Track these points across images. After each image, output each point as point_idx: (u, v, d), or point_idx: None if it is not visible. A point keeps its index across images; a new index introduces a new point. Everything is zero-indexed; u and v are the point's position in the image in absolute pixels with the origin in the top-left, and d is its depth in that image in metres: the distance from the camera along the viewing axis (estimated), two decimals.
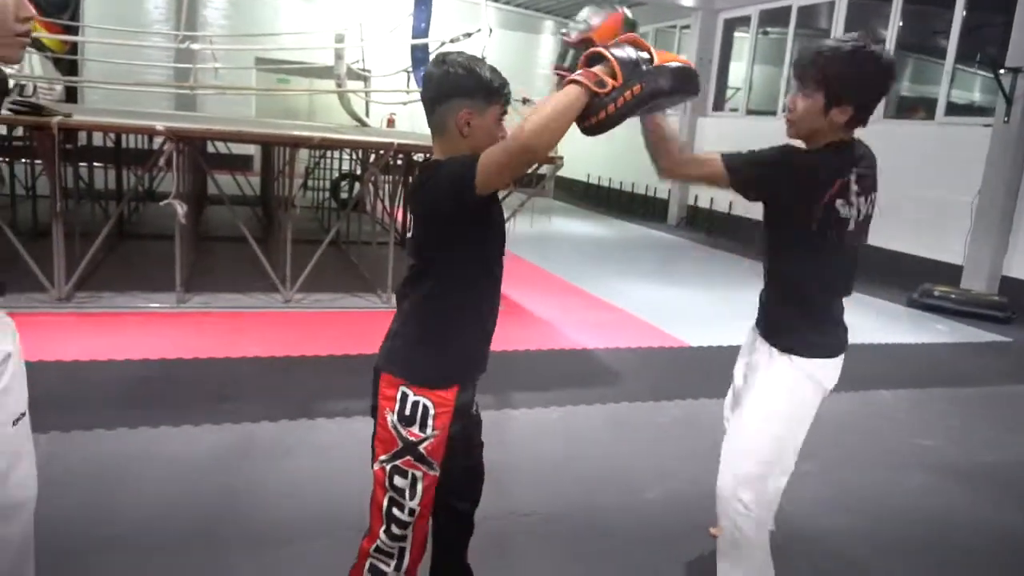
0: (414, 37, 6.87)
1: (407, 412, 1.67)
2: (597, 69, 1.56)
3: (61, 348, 3.96)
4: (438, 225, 1.64)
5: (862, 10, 9.47)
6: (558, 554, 2.55)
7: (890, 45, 8.80)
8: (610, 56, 1.56)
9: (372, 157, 6.81)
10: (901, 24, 8.79)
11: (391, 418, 1.67)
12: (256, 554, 2.38)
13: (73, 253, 5.01)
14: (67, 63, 12.29)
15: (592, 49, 1.61)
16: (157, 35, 12.62)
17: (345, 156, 9.47)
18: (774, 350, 2.03)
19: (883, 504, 3.11)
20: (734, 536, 2.10)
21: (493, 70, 1.68)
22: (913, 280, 7.36)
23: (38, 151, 4.88)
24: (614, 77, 1.54)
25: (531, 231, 8.31)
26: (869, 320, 6.25)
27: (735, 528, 2.08)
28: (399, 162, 6.70)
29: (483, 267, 1.72)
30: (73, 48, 11.94)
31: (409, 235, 1.74)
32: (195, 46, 8.61)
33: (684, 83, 1.61)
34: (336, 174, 9.65)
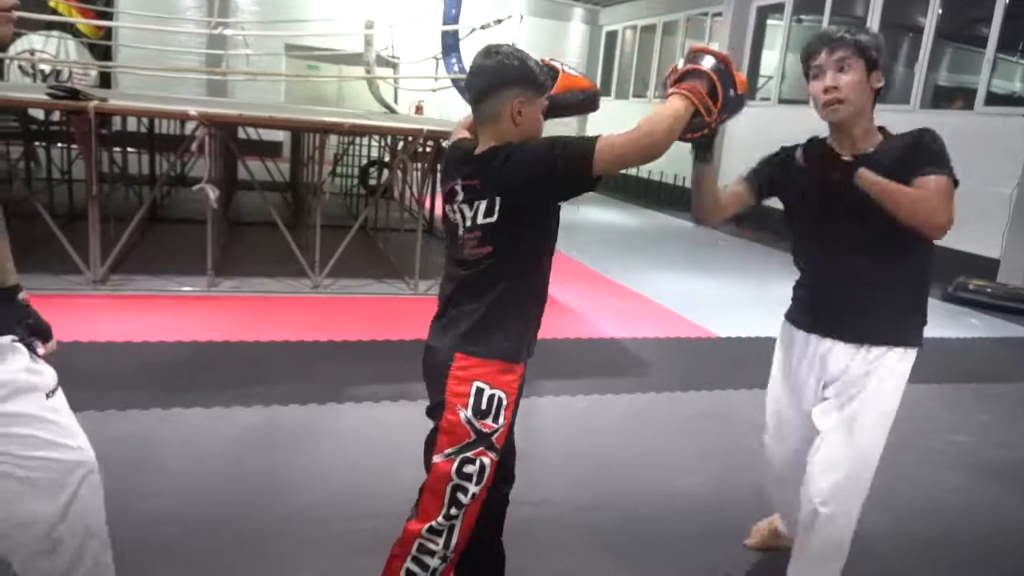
0: (445, 23, 6.86)
1: (483, 406, 1.73)
2: (703, 88, 1.69)
3: (96, 329, 4.03)
4: (520, 206, 1.68)
5: None
6: (586, 543, 2.55)
7: (929, 33, 8.61)
8: (719, 88, 1.71)
9: (401, 144, 6.83)
10: (941, 12, 8.59)
11: (465, 413, 1.72)
12: (285, 534, 2.41)
13: (108, 236, 5.09)
14: (101, 48, 12.49)
15: (698, 67, 1.73)
16: (190, 21, 12.74)
17: (373, 143, 9.50)
18: (878, 348, 1.99)
19: (915, 500, 3.07)
20: (832, 549, 2.06)
21: (539, 63, 1.75)
22: (948, 273, 7.22)
23: (74, 135, 4.96)
24: (715, 101, 1.70)
25: (561, 220, 8.29)
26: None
27: (839, 542, 2.04)
28: (428, 149, 6.71)
29: (547, 251, 1.80)
30: (107, 34, 12.12)
31: (464, 219, 1.73)
32: (227, 32, 8.67)
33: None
34: (364, 160, 9.69)
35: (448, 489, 1.76)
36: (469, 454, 1.74)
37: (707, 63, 1.72)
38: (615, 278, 6.71)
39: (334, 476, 2.83)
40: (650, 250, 8.88)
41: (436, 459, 1.76)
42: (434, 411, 1.80)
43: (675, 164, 12.92)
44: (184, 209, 7.49)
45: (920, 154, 1.86)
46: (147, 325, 4.26)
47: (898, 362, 2.01)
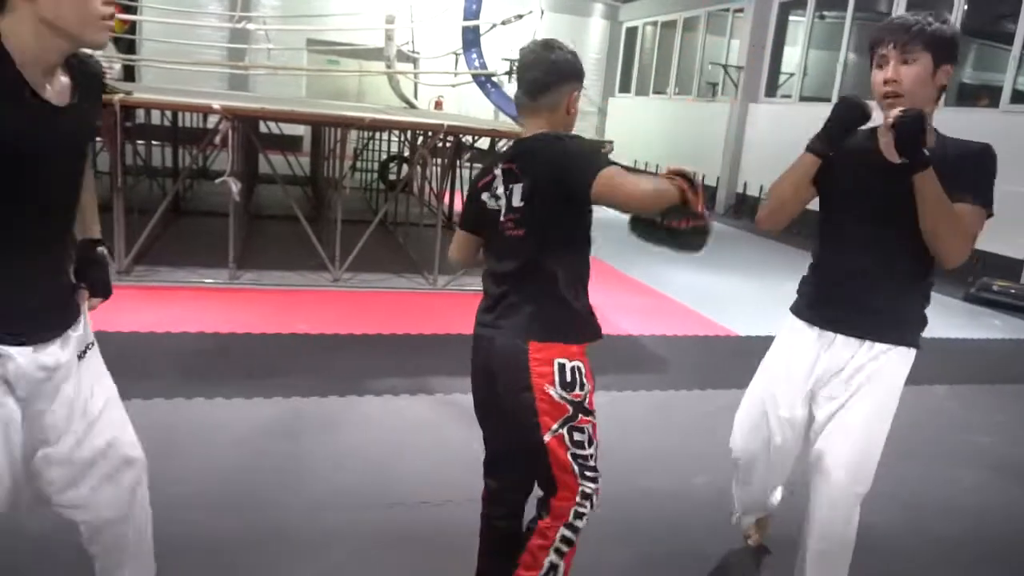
0: (465, 19, 6.87)
1: (568, 379, 1.82)
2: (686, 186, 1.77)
3: (120, 319, 4.09)
4: (564, 195, 1.76)
5: None
6: (607, 538, 2.55)
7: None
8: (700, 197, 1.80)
9: (420, 139, 6.86)
10: (966, 8, 8.48)
11: (555, 391, 1.81)
12: (304, 522, 2.45)
13: (132, 228, 5.16)
14: (126, 42, 12.60)
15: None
16: (212, 15, 12.83)
17: (393, 138, 9.53)
18: (882, 345, 1.95)
19: (935, 499, 3.06)
20: (840, 548, 2.05)
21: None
22: (970, 274, 7.15)
23: (100, 128, 5.02)
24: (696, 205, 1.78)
25: None
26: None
27: (847, 538, 2.03)
28: (447, 144, 6.73)
29: (588, 234, 1.90)
30: (131, 28, 12.23)
31: (510, 204, 1.81)
32: (249, 26, 8.73)
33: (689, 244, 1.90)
34: (384, 155, 9.73)
35: (570, 460, 1.86)
36: (574, 423, 1.85)
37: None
38: (634, 275, 6.70)
39: (354, 466, 2.86)
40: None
41: (546, 438, 1.84)
42: (518, 393, 1.83)
43: (696, 161, 12.87)
44: (206, 202, 7.57)
45: (970, 174, 1.81)
46: (170, 316, 4.31)
47: (900, 361, 1.97)
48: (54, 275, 1.52)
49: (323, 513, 2.53)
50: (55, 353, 1.49)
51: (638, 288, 6.33)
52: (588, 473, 1.90)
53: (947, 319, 6.16)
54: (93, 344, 1.65)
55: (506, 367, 1.84)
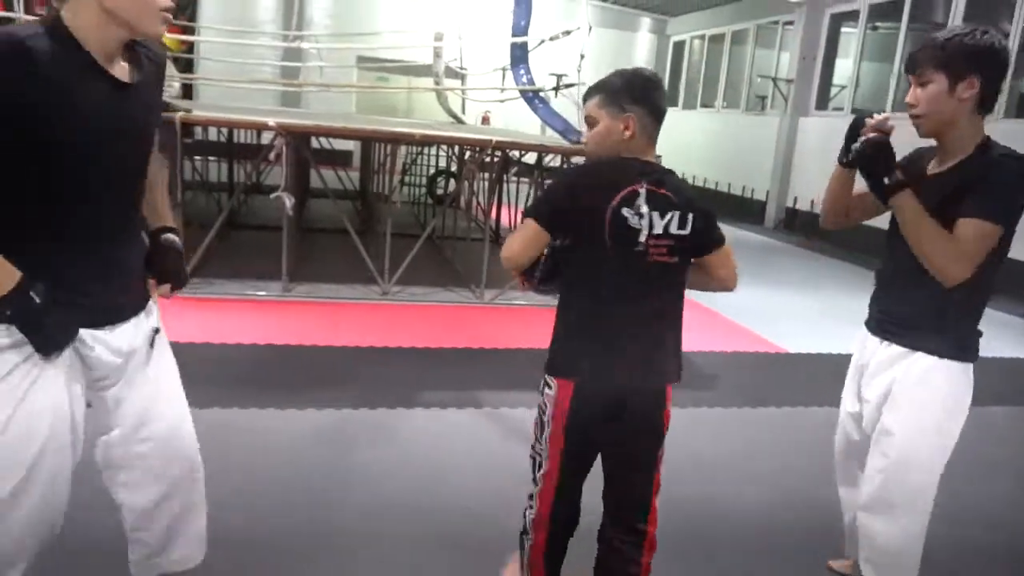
0: (514, 35, 6.93)
1: (667, 404, 1.92)
2: None
3: (177, 330, 4.18)
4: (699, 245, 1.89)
5: (984, 1, 8.93)
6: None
7: (1015, 38, 8.27)
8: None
9: (468, 154, 6.93)
10: None
11: (668, 410, 1.91)
12: (350, 531, 2.49)
13: (188, 241, 5.31)
14: (184, 61, 13.03)
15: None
16: (267, 34, 13.19)
17: (441, 153, 9.65)
18: (920, 355, 1.96)
19: (980, 514, 2.96)
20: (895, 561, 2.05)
21: None
22: None
23: (161, 144, 5.19)
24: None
25: None
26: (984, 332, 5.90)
27: (904, 551, 2.04)
28: (495, 159, 6.79)
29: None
30: (190, 47, 12.64)
31: (666, 229, 1.80)
32: (303, 45, 8.95)
33: None
34: (432, 170, 9.85)
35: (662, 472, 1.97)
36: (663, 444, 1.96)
37: None
38: None
39: (402, 476, 2.90)
40: None
41: (655, 475, 1.94)
42: (651, 435, 1.92)
43: (745, 175, 12.72)
44: (260, 216, 7.76)
45: (980, 188, 1.78)
46: (225, 327, 4.43)
47: (942, 372, 1.93)
48: (124, 258, 1.57)
49: (371, 520, 2.57)
50: (128, 337, 1.56)
51: (685, 303, 6.26)
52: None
53: (1007, 337, 5.96)
54: (160, 331, 1.69)
55: (642, 418, 1.89)
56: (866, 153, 1.84)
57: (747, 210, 12.49)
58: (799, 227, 11.23)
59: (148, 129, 1.59)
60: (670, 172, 1.86)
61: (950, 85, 1.80)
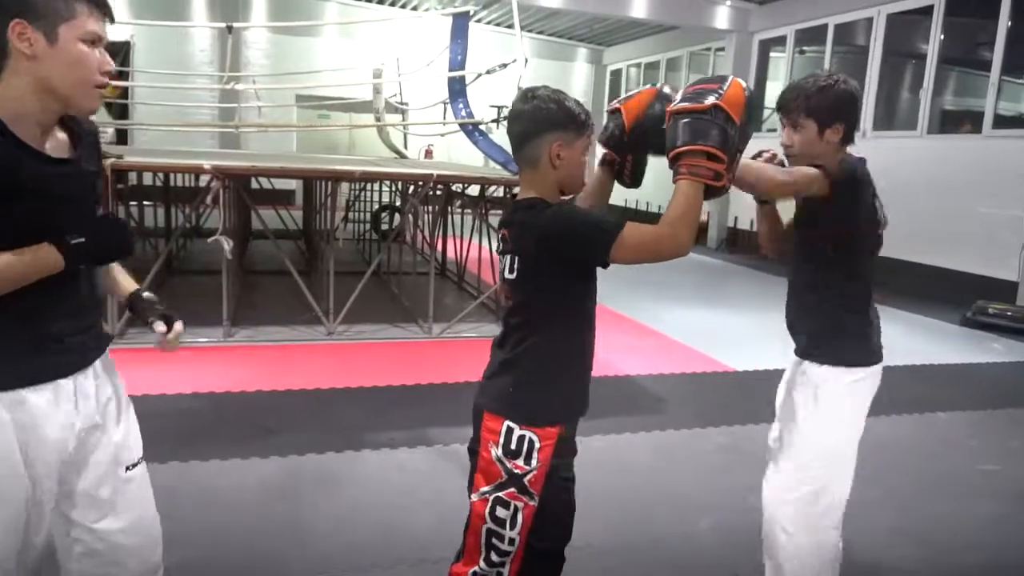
0: (451, 70, 6.97)
1: (512, 446, 1.70)
2: (696, 159, 1.57)
3: None
4: (551, 273, 1.68)
5: (901, 25, 9.35)
6: None
7: (932, 59, 8.65)
8: (703, 148, 1.56)
9: (412, 188, 6.91)
10: (943, 37, 8.65)
11: (495, 451, 1.70)
12: None
13: None
14: (119, 107, 12.78)
15: (677, 150, 1.59)
16: (202, 77, 13.03)
17: (385, 188, 9.60)
18: (809, 364, 2.13)
19: (951, 532, 3.00)
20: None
21: (578, 103, 1.73)
22: (966, 298, 7.15)
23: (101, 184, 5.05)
24: (719, 160, 1.57)
25: None
26: (921, 340, 6.08)
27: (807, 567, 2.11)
28: (438, 192, 6.77)
29: (586, 313, 1.78)
30: (124, 93, 12.41)
31: (504, 259, 1.74)
32: (239, 86, 8.86)
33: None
34: (376, 206, 9.79)
35: (483, 532, 1.73)
36: (502, 494, 1.71)
37: (708, 129, 1.57)
38: (628, 314, 6.69)
39: (355, 524, 2.80)
40: (662, 285, 8.85)
41: (473, 498, 1.75)
42: (472, 450, 1.79)
43: None
44: (199, 260, 7.58)
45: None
46: (165, 378, 4.27)
47: (832, 380, 2.06)
48: (83, 309, 1.55)
49: (326, 573, 2.46)
50: (93, 384, 1.58)
51: (633, 327, 6.31)
52: (494, 557, 1.73)
53: (945, 344, 6.14)
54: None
55: (475, 422, 1.80)
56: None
57: None
58: (741, 247, 11.46)
59: (87, 198, 1.54)
60: (527, 204, 1.71)
61: (819, 131, 2.01)
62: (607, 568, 2.60)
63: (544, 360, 1.73)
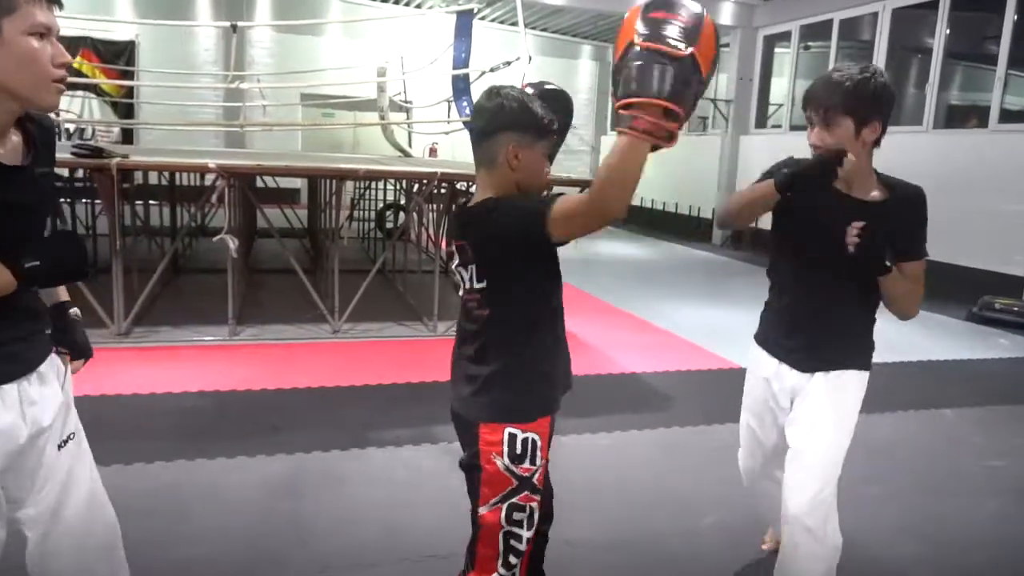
0: (455, 68, 6.98)
1: (518, 451, 1.69)
2: (653, 114, 1.37)
3: (121, 382, 4.07)
4: (507, 265, 1.66)
5: (907, 19, 9.31)
6: None
7: (938, 53, 8.62)
8: (669, 105, 1.36)
9: (416, 187, 6.92)
10: (949, 32, 8.62)
11: (501, 462, 1.69)
12: None
13: (131, 289, 5.17)
14: (124, 106, 12.84)
15: (641, 99, 1.37)
16: (207, 76, 13.06)
17: (389, 186, 9.62)
18: (835, 371, 2.07)
19: (955, 529, 2.99)
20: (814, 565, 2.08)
21: (544, 106, 1.68)
22: (972, 293, 7.13)
23: (98, 191, 5.07)
24: (675, 119, 1.39)
25: (575, 255, 8.30)
26: (927, 336, 6.06)
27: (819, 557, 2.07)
28: (442, 190, 6.78)
29: (549, 300, 1.76)
30: (129, 92, 12.46)
31: (464, 271, 1.72)
32: (243, 85, 8.88)
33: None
34: (381, 204, 9.81)
35: (501, 538, 1.73)
36: (516, 500, 1.71)
37: (676, 81, 1.36)
38: (633, 311, 6.69)
39: (360, 521, 2.81)
40: (668, 282, 8.85)
41: (483, 511, 1.73)
42: (469, 464, 1.76)
43: (692, 195, 12.94)
44: (205, 259, 7.60)
45: (913, 229, 1.96)
46: (171, 376, 4.29)
47: (855, 384, 2.06)
48: (24, 316, 1.51)
49: (332, 572, 2.48)
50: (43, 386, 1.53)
51: (638, 324, 6.31)
52: (512, 559, 1.75)
53: (951, 340, 6.12)
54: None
55: (460, 428, 1.80)
56: (866, 254, 1.88)
57: (695, 229, 12.71)
58: (746, 244, 11.44)
59: (37, 207, 1.50)
60: (479, 207, 1.68)
61: (856, 130, 1.87)
62: (609, 564, 2.61)
63: (528, 361, 1.72)
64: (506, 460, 1.69)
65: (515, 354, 1.71)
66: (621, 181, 1.43)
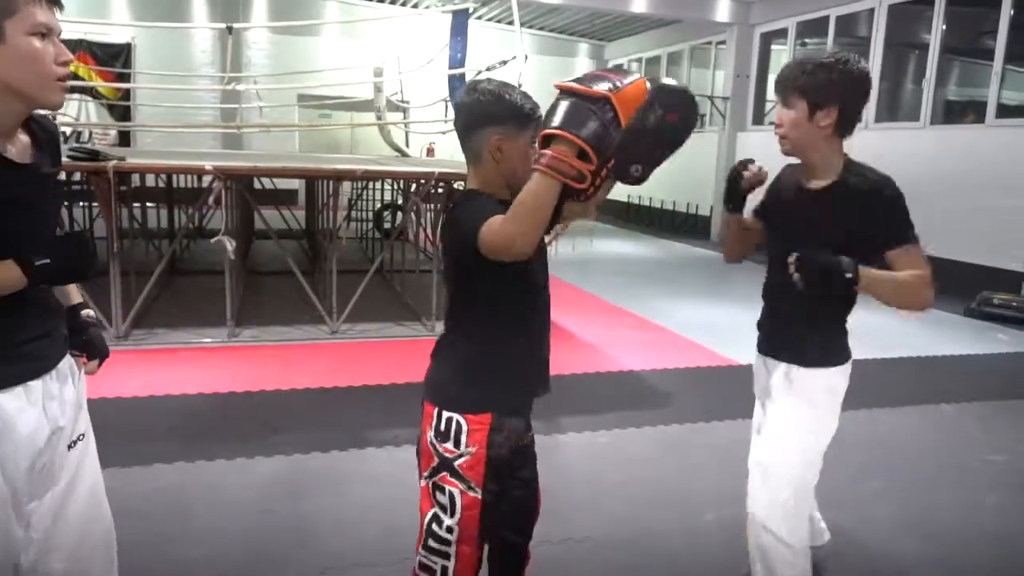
0: (451, 67, 6.98)
1: (442, 428, 1.71)
2: (563, 151, 1.38)
3: (120, 385, 4.06)
4: (461, 264, 1.67)
5: (903, 15, 9.32)
6: None
7: (935, 49, 8.63)
8: (575, 139, 1.37)
9: (413, 186, 6.91)
10: (945, 27, 8.62)
11: (429, 434, 1.73)
12: None
13: (129, 292, 5.16)
14: (120, 109, 12.82)
15: (548, 131, 1.41)
16: (204, 78, 13.05)
17: (387, 186, 9.61)
18: (793, 367, 2.11)
19: (956, 525, 2.99)
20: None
21: (524, 95, 1.66)
22: (970, 289, 7.13)
23: (95, 194, 5.06)
24: (586, 159, 1.38)
25: (573, 254, 8.30)
26: (925, 331, 6.06)
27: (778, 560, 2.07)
28: (440, 190, 6.77)
29: (518, 304, 1.71)
30: (126, 94, 12.44)
31: (443, 264, 1.79)
32: (240, 87, 8.88)
33: (668, 133, 1.48)
34: (379, 204, 9.80)
35: (428, 516, 1.76)
36: (436, 479, 1.73)
37: (587, 119, 1.37)
38: (632, 309, 6.69)
39: (360, 522, 2.81)
40: (666, 280, 8.85)
41: (421, 482, 1.79)
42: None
43: (689, 193, 12.94)
44: (203, 261, 7.60)
45: (890, 223, 1.88)
46: (170, 378, 4.29)
47: (824, 379, 2.04)
48: (45, 314, 1.54)
49: (332, 572, 2.47)
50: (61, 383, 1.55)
51: (637, 322, 6.31)
52: (432, 543, 1.76)
53: (949, 335, 6.13)
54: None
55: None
56: (816, 282, 1.81)
57: (693, 227, 12.71)
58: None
59: (45, 206, 1.52)
60: (464, 195, 1.73)
61: (809, 113, 1.88)
62: (610, 561, 2.61)
63: (471, 350, 1.73)
64: (431, 434, 1.72)
65: (477, 352, 1.73)
66: (523, 216, 1.42)
